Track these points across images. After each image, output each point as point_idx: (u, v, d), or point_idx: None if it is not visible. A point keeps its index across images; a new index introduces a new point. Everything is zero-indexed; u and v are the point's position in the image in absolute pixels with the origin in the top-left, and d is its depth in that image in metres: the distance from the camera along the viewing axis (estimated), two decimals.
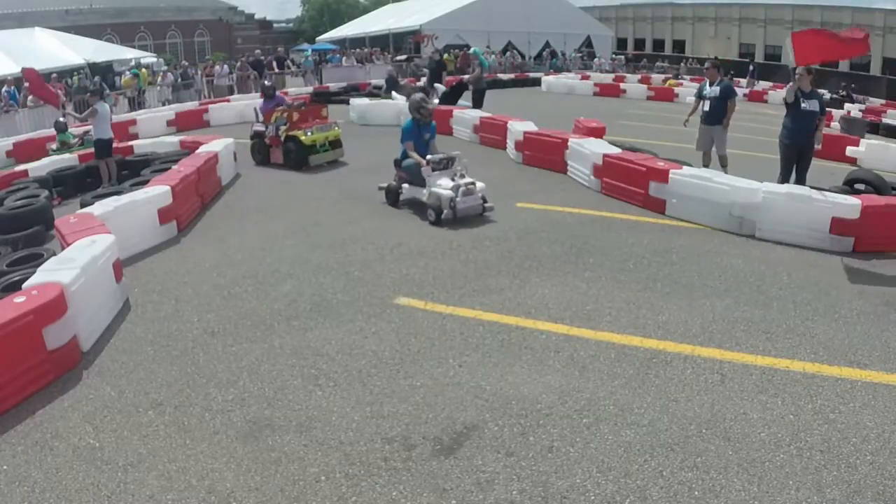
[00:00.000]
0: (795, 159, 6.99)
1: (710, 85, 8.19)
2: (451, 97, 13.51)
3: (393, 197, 7.26)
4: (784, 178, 6.96)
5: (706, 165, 8.22)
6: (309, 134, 9.45)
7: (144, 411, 3.40)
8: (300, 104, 10.33)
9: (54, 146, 11.64)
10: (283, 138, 9.59)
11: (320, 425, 3.23)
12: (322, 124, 9.82)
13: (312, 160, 9.55)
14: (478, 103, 13.24)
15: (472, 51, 14.84)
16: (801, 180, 6.83)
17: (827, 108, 8.24)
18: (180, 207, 6.68)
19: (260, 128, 10.17)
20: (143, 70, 20.38)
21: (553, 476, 2.82)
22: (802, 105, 6.76)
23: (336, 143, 10.01)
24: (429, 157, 6.68)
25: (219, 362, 3.90)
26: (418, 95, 7.33)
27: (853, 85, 25.99)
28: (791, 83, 6.85)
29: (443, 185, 6.49)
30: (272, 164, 9.84)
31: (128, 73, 20.18)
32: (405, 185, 7.08)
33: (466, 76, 13.26)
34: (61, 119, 12.09)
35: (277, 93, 11.74)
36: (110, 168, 9.22)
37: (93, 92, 10.75)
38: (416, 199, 6.95)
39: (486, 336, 4.15)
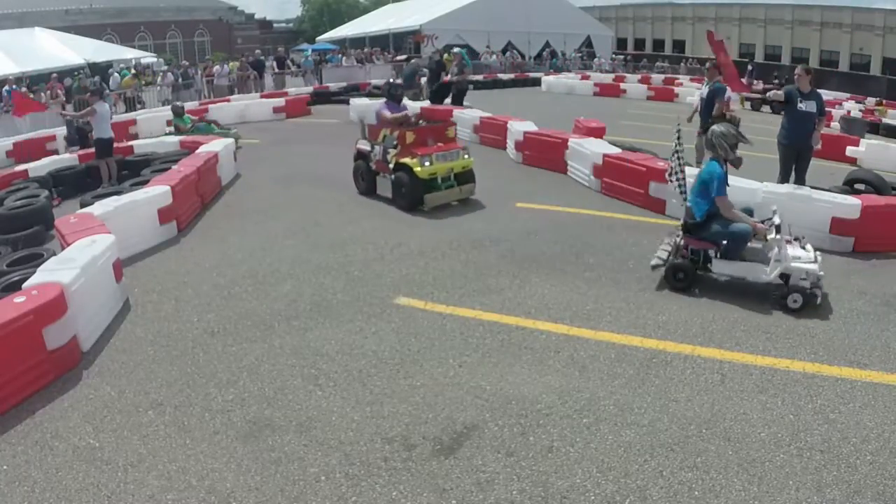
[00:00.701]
0: (794, 159, 6.98)
1: (706, 84, 8.44)
2: (439, 97, 13.54)
3: (689, 276, 4.87)
4: (783, 179, 6.96)
5: (697, 161, 8.32)
6: (427, 164, 6.86)
7: (144, 411, 3.40)
8: (417, 121, 7.76)
9: (170, 128, 12.06)
10: (392, 165, 7.20)
11: (320, 425, 3.23)
12: (447, 150, 7.16)
13: (430, 200, 6.98)
14: (459, 101, 13.36)
15: (455, 50, 14.95)
16: (800, 180, 6.82)
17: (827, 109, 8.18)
18: (180, 207, 6.67)
19: (365, 146, 7.64)
20: (133, 71, 20.09)
21: (553, 476, 2.82)
22: (799, 106, 6.75)
23: (465, 177, 7.36)
24: (776, 221, 4.66)
25: (219, 362, 3.90)
26: (731, 127, 4.97)
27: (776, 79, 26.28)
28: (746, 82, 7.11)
29: (803, 258, 4.55)
30: (379, 197, 7.55)
31: (117, 73, 19.59)
32: (716, 260, 4.81)
33: (452, 76, 13.42)
34: (178, 103, 12.84)
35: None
36: (110, 168, 9.22)
37: (93, 92, 10.74)
38: (734, 277, 4.83)
39: (486, 336, 4.15)
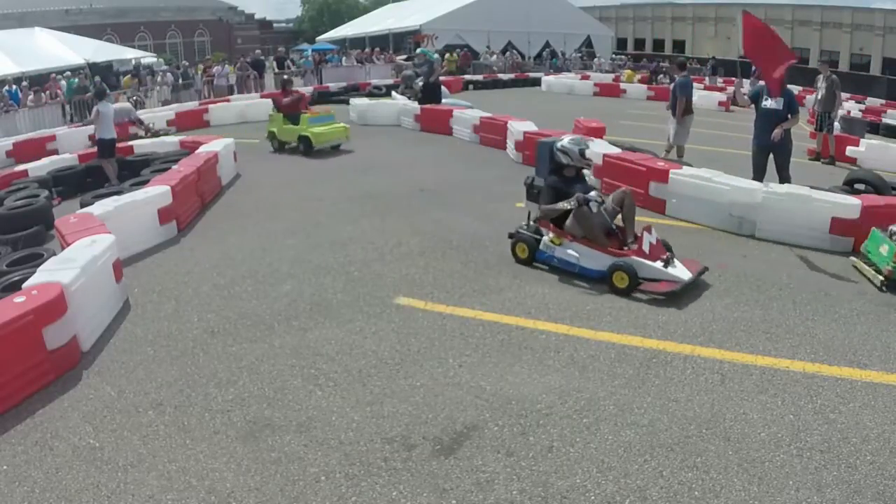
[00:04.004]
0: (765, 161, 6.80)
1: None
2: (429, 97, 13.56)
3: None
4: (755, 179, 6.77)
5: (678, 156, 8.96)
6: None
7: (144, 411, 3.40)
8: None
9: None
10: None
11: (320, 425, 3.23)
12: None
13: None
14: (436, 99, 13.41)
15: (419, 50, 15.07)
16: (783, 179, 6.67)
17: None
18: (180, 207, 6.68)
19: None
20: (78, 79, 19.23)
21: (553, 476, 2.82)
22: (763, 103, 6.57)
23: None
24: None
25: (219, 362, 3.90)
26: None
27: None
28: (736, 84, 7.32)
29: None
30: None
31: (63, 81, 17.72)
32: None
33: (429, 76, 13.51)
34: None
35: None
36: (114, 168, 9.20)
37: (95, 93, 10.71)
38: None
39: (486, 336, 4.15)
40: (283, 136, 11.01)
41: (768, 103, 6.56)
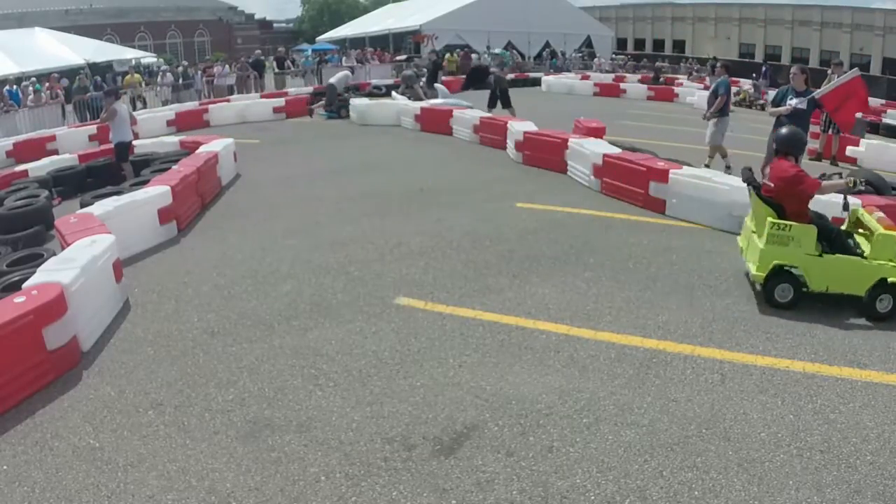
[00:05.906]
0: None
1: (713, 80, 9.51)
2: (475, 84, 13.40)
3: None
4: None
5: (711, 156, 8.96)
6: None
7: (144, 411, 3.40)
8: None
9: None
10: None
11: (320, 425, 3.23)
12: None
13: None
14: (506, 102, 13.23)
15: (498, 52, 15.23)
16: None
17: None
18: (180, 207, 6.67)
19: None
20: (48, 85, 18.42)
21: (553, 476, 2.82)
22: (789, 102, 6.93)
23: None
24: None
25: (219, 362, 3.90)
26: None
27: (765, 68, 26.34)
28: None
29: None
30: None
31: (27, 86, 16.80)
32: None
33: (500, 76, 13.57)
34: None
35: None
36: (129, 169, 9.17)
37: (107, 92, 10.58)
38: None
39: (486, 336, 4.15)
40: (832, 279, 4.38)
41: (793, 102, 6.97)
